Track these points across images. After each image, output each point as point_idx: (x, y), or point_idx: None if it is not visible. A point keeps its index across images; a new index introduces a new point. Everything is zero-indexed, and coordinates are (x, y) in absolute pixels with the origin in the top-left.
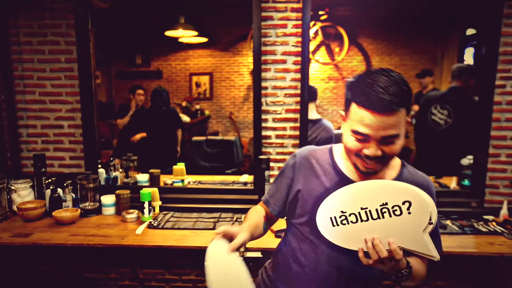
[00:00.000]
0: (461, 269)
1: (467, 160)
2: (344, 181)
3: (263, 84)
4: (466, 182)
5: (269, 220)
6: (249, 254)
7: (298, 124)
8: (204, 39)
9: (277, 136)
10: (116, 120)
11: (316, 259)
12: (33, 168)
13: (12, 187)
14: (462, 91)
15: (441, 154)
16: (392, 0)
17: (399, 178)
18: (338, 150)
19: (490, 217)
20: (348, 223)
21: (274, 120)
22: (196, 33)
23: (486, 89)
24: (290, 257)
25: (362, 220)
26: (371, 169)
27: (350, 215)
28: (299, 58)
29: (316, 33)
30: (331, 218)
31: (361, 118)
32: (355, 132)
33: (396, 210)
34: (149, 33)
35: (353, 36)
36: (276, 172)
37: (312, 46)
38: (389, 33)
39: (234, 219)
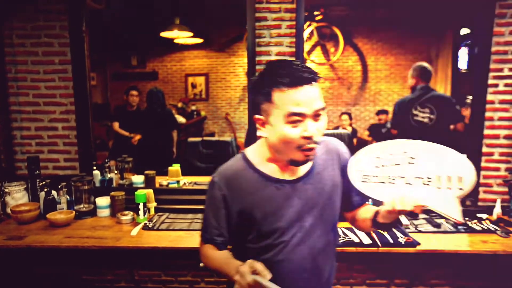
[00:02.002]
0: (457, 267)
1: None
2: (276, 182)
3: None
4: None
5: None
6: None
7: None
8: (199, 40)
9: None
10: (112, 122)
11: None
12: (27, 170)
13: (6, 190)
14: (431, 89)
15: None
16: (387, 0)
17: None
18: (252, 155)
19: (484, 216)
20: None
21: None
22: (191, 34)
23: (479, 88)
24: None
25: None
26: (311, 155)
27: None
28: (293, 59)
29: (311, 33)
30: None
31: (292, 98)
32: (290, 115)
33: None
34: (144, 34)
35: (348, 36)
36: None
37: (307, 46)
38: (384, 33)
39: None
